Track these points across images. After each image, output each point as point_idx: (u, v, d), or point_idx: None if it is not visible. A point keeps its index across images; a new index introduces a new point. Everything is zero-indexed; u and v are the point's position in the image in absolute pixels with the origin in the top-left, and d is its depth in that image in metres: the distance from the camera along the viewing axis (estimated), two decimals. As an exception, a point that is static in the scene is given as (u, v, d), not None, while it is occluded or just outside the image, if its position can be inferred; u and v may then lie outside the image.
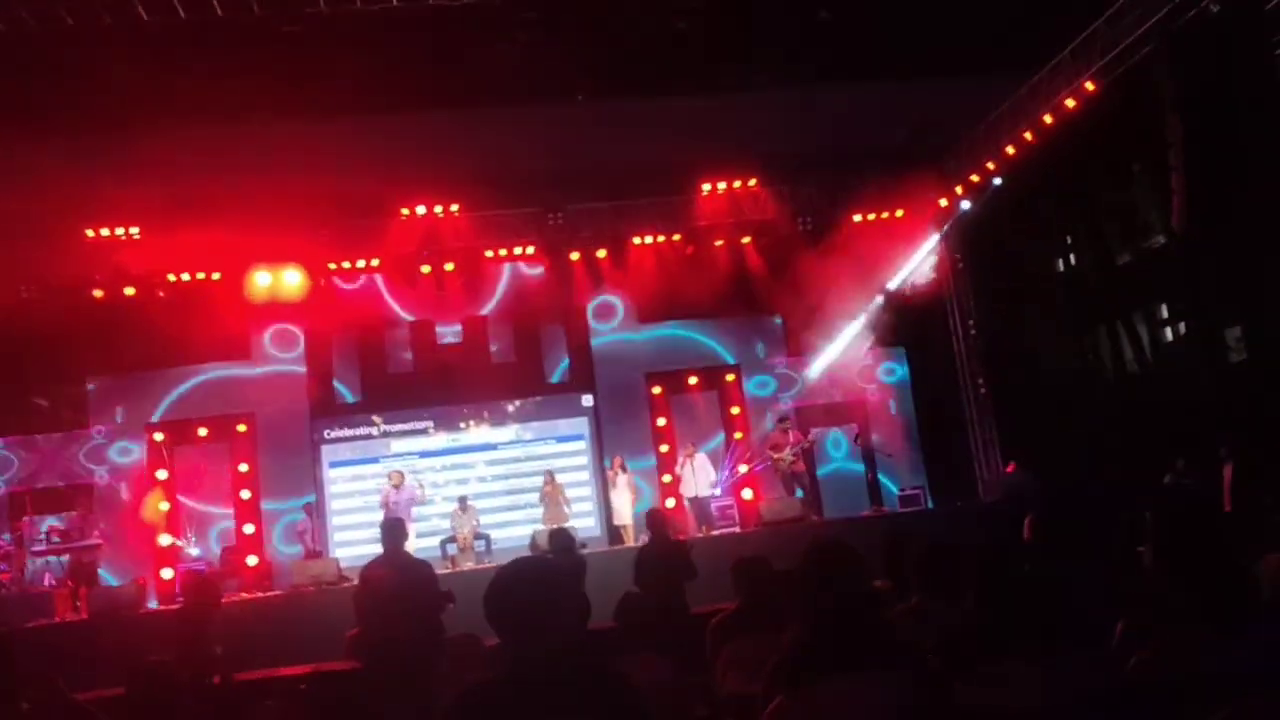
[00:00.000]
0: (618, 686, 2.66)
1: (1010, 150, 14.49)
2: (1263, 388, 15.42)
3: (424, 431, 16.66)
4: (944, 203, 16.21)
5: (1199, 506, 3.16)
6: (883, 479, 16.89)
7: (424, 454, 16.54)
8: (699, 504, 15.02)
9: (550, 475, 15.21)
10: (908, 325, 17.01)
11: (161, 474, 15.38)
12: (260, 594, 13.58)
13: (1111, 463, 14.75)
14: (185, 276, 15.06)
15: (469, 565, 13.54)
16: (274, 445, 16.01)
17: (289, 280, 15.13)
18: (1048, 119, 13.59)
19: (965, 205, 15.91)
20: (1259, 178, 12.59)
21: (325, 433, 16.45)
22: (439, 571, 8.20)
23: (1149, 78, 11.72)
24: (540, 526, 14.17)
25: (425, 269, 15.93)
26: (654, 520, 10.18)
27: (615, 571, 11.83)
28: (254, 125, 12.50)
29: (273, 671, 9.44)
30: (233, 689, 7.85)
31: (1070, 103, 13.14)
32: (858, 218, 16.19)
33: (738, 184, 15.92)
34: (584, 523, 15.48)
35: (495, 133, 13.55)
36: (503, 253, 15.99)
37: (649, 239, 16.14)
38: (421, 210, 15.31)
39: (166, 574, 14.36)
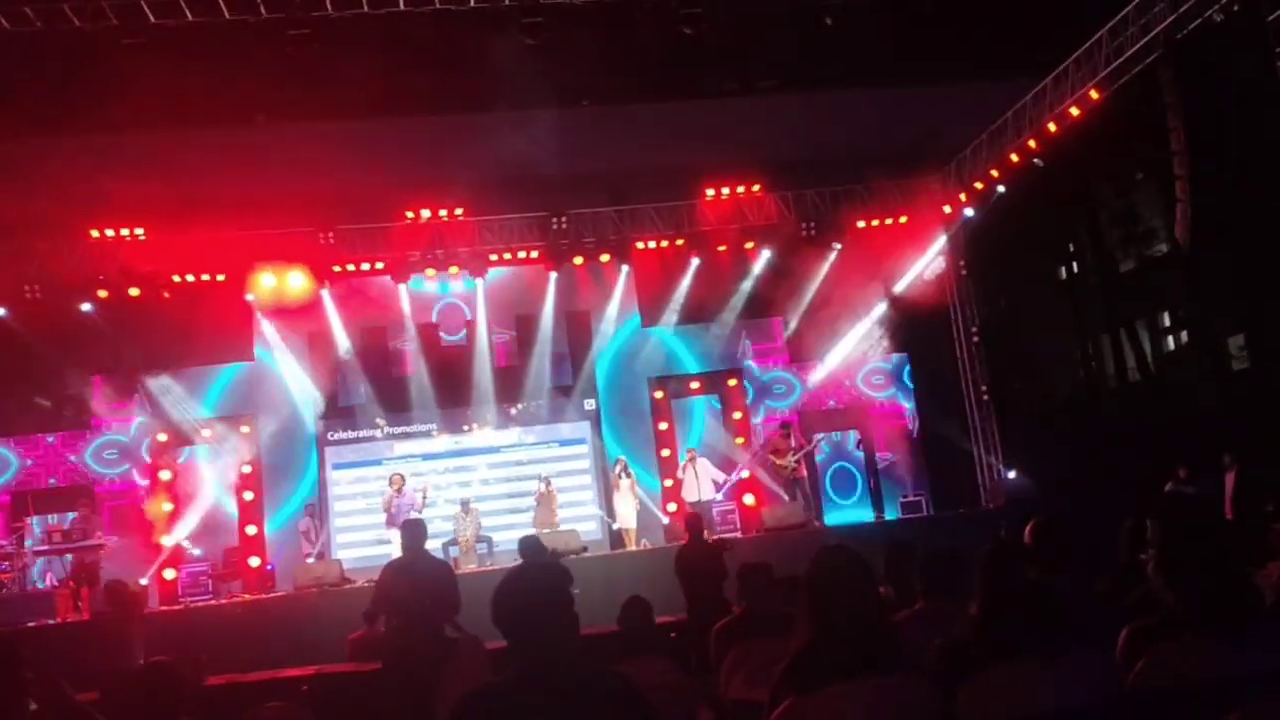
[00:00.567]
0: (623, 689, 2.69)
1: (1014, 158, 14.52)
2: (1265, 396, 15.44)
3: (427, 434, 16.66)
4: (948, 209, 16.22)
5: (1201, 514, 3.16)
6: (885, 484, 16.92)
7: (427, 456, 16.55)
8: (701, 509, 14.99)
9: (547, 480, 15.24)
10: (911, 331, 17.02)
11: (164, 474, 15.39)
12: (262, 595, 13.60)
13: (1114, 470, 14.75)
14: (190, 277, 15.08)
15: (471, 568, 13.55)
16: (277, 446, 16.02)
17: (294, 282, 15.13)
18: (1052, 127, 13.62)
19: (969, 212, 15.92)
20: (1262, 186, 12.64)
21: (329, 434, 16.47)
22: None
23: (1152, 87, 11.74)
24: (536, 530, 14.19)
25: (430, 272, 15.96)
26: (692, 523, 10.38)
27: (618, 575, 11.91)
28: (259, 127, 12.56)
29: (275, 673, 9.44)
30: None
31: (1074, 111, 13.17)
32: (861, 224, 16.22)
33: (741, 189, 15.95)
34: (586, 526, 15.49)
35: (500, 136, 13.60)
36: (507, 256, 16.01)
37: (653, 243, 16.17)
38: (426, 213, 15.36)
39: (169, 574, 14.36)
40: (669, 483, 16.20)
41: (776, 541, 12.99)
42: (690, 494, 15.10)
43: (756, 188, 16.00)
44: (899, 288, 16.76)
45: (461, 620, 7.25)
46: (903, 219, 16.37)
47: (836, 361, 17.15)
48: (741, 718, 4.19)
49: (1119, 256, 20.49)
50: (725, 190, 15.91)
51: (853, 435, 17.34)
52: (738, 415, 17.04)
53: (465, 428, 16.72)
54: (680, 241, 16.27)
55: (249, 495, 15.69)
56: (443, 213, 15.37)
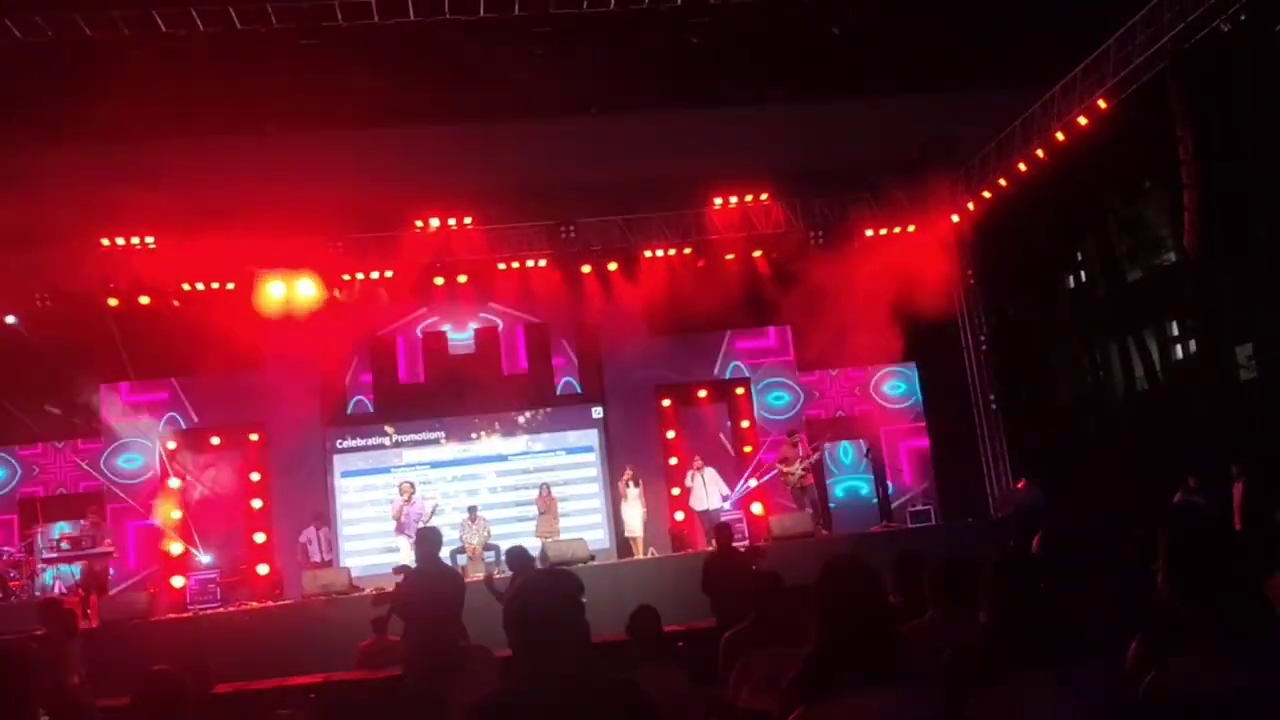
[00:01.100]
0: (633, 697, 2.69)
1: (1022, 166, 14.52)
2: (1273, 405, 15.39)
3: (435, 442, 16.70)
4: (956, 218, 16.22)
5: (1210, 524, 3.16)
6: (892, 493, 16.89)
7: (435, 464, 16.58)
8: (709, 518, 15.00)
9: (546, 487, 15.26)
10: (918, 340, 17.00)
11: (174, 482, 15.43)
12: (271, 603, 13.62)
13: (1122, 480, 14.72)
14: (200, 285, 15.17)
15: (478, 576, 13.52)
16: (286, 454, 16.06)
17: (303, 290, 15.17)
18: (1060, 136, 13.63)
19: (977, 221, 15.90)
20: (1270, 195, 12.60)
21: (337, 442, 16.50)
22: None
23: (1161, 95, 11.74)
24: (549, 539, 14.21)
25: (438, 280, 16.00)
26: (720, 532, 10.51)
27: (625, 584, 11.92)
28: (270, 136, 12.61)
29: (283, 680, 9.47)
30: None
31: (1082, 120, 13.18)
32: (870, 232, 16.23)
33: (749, 197, 15.98)
34: (593, 535, 15.50)
35: (508, 146, 13.66)
36: (515, 265, 16.05)
37: (660, 252, 16.20)
38: (435, 222, 15.41)
39: (178, 582, 14.38)
40: (676, 491, 16.20)
41: (784, 550, 12.96)
42: (698, 503, 15.11)
43: (764, 196, 16.03)
44: (907, 296, 16.73)
45: (470, 629, 7.27)
46: (911, 227, 16.38)
47: (844, 370, 17.12)
48: (751, 727, 4.19)
49: (1127, 265, 20.46)
50: (733, 199, 15.95)
51: (853, 453, 17.29)
52: (745, 424, 17.04)
53: (473, 435, 16.75)
54: (688, 250, 16.31)
55: (258, 503, 15.73)
56: (451, 221, 15.41)
